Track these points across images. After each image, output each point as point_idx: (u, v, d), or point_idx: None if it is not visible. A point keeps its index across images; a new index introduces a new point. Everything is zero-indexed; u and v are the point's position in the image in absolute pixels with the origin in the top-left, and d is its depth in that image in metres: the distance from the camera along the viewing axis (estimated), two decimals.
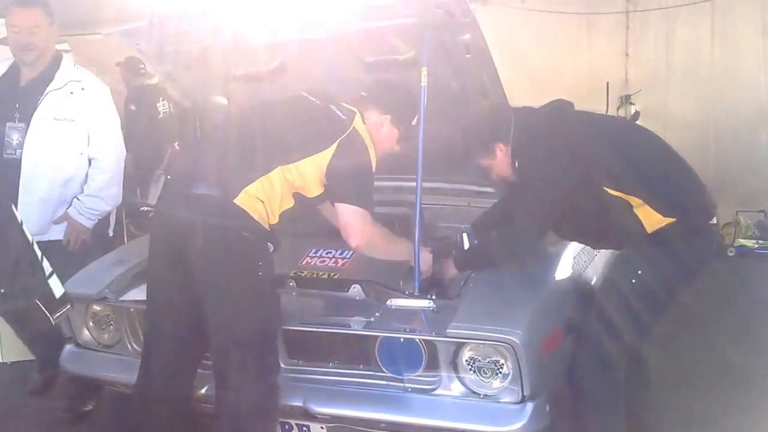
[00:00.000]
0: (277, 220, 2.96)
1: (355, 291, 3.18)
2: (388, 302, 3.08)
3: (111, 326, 3.36)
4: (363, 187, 3.00)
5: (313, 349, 3.04)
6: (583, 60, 7.23)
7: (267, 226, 2.93)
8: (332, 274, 3.39)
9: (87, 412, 3.88)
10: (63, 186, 3.80)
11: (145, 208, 5.86)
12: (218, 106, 3.85)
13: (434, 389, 2.89)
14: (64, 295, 2.54)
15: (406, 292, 3.11)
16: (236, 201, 2.85)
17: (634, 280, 3.04)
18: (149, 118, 7.56)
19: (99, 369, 3.37)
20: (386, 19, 3.12)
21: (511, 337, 2.71)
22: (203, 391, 3.05)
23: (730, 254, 6.74)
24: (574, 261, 3.43)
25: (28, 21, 3.68)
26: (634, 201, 2.99)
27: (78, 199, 3.83)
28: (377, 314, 3.02)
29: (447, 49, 3.14)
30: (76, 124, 3.77)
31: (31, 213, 3.51)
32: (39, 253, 2.48)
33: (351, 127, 3.01)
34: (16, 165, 3.70)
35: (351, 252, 3.47)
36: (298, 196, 3.00)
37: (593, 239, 3.34)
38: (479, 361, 2.82)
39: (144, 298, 3.07)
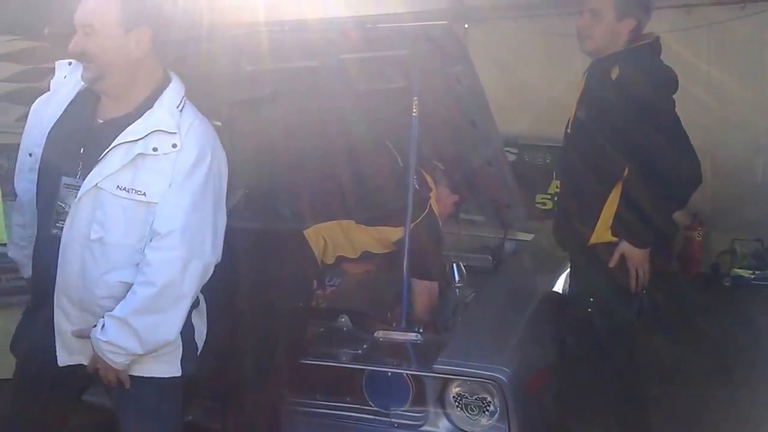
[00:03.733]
0: (333, 262, 3.22)
1: (343, 321, 3.15)
2: (375, 334, 3.04)
3: None
4: (432, 262, 3.20)
5: (298, 380, 3.00)
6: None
7: (320, 263, 3.18)
8: (319, 302, 3.35)
9: None
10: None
11: None
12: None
13: (421, 425, 2.85)
14: None
15: (394, 324, 3.08)
16: (305, 231, 3.10)
17: (590, 309, 3.03)
18: None
19: None
20: (379, 50, 3.11)
21: (497, 375, 2.68)
22: None
23: (726, 284, 6.66)
24: (564, 291, 3.40)
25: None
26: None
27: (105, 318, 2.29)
28: (365, 346, 2.99)
29: (438, 80, 3.13)
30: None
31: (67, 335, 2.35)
32: None
33: (428, 207, 3.21)
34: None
35: (339, 280, 3.45)
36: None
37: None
38: (466, 397, 2.78)
39: None
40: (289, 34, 2.92)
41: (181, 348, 2.38)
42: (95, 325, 2.28)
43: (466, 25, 3.80)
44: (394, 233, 3.18)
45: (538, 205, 4.75)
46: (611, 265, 3.04)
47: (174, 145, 2.28)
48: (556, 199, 4.56)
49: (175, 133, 2.29)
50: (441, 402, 2.81)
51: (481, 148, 3.61)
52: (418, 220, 3.11)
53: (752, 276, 6.65)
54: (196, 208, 2.29)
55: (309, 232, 3.11)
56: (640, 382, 3.25)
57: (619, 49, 3.11)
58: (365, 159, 3.24)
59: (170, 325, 2.29)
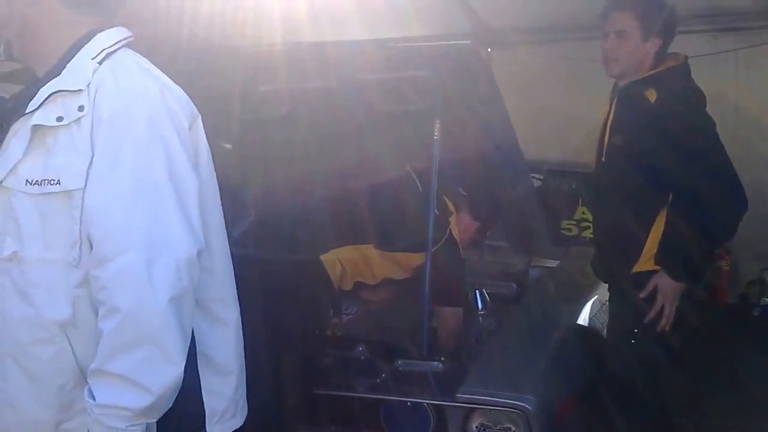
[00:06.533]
0: (350, 288, 3.17)
1: (360, 350, 3.07)
2: (395, 363, 2.96)
3: None
4: (454, 288, 3.14)
5: (313, 411, 2.92)
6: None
7: (337, 290, 3.13)
8: (335, 331, 3.28)
9: None
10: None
11: None
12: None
13: None
14: None
15: (415, 353, 3.00)
16: (322, 257, 3.06)
17: (633, 341, 2.93)
18: None
19: None
20: (400, 70, 3.07)
21: (522, 404, 2.59)
22: None
23: (755, 314, 6.51)
24: (591, 319, 3.31)
25: None
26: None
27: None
28: (383, 376, 2.91)
29: (461, 102, 3.08)
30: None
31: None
32: None
33: (447, 233, 3.14)
34: None
35: (356, 308, 3.38)
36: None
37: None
38: (490, 428, 2.69)
39: None
40: (306, 53, 2.89)
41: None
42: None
43: (489, 49, 3.76)
44: (414, 259, 3.11)
45: (563, 232, 4.67)
46: (642, 294, 2.95)
47: (81, 108, 1.62)
48: (582, 225, 4.49)
49: (81, 90, 1.63)
50: None
51: (505, 173, 3.54)
52: (437, 246, 3.04)
53: None
54: (141, 188, 1.61)
55: (326, 258, 3.06)
56: (670, 413, 3.14)
57: (646, 70, 3.05)
58: (384, 182, 3.18)
59: (168, 354, 1.60)
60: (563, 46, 4.01)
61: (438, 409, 2.74)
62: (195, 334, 1.74)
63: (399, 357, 2.97)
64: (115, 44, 1.73)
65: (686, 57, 3.10)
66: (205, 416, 1.82)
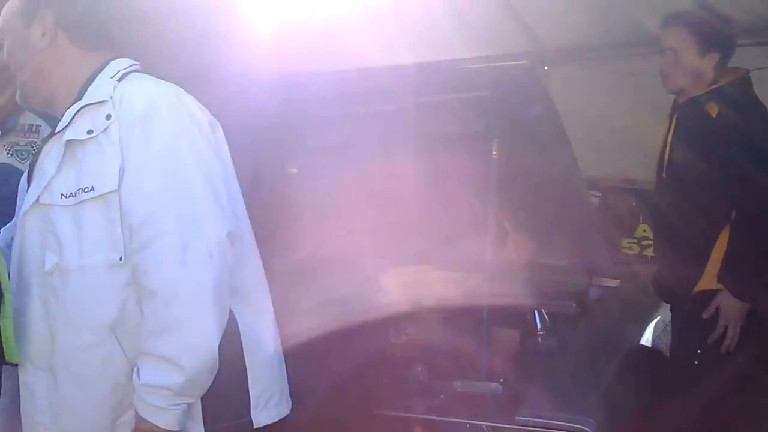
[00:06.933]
0: (409, 307, 3.09)
1: (419, 371, 3.06)
2: (453, 384, 2.94)
3: None
4: (512, 308, 3.10)
5: None
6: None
7: (395, 308, 3.07)
8: (393, 350, 3.27)
9: None
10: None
11: None
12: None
13: None
14: None
15: (473, 374, 2.97)
16: (380, 276, 3.09)
17: (697, 362, 2.86)
18: None
19: None
20: (456, 92, 3.08)
21: (583, 427, 2.56)
22: None
23: None
24: (654, 340, 3.25)
25: None
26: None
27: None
28: (441, 396, 2.89)
29: (518, 122, 3.07)
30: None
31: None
32: None
33: (506, 253, 3.18)
34: None
35: (414, 327, 3.37)
36: None
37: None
38: None
39: None
40: (364, 78, 2.91)
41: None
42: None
43: (546, 67, 3.75)
44: (471, 279, 3.10)
45: (624, 250, 4.60)
46: (705, 315, 2.89)
47: (108, 116, 1.73)
48: (643, 243, 4.41)
49: (106, 101, 1.75)
50: None
51: (563, 191, 3.51)
52: (495, 266, 3.02)
53: None
54: (171, 177, 1.70)
55: (384, 277, 3.06)
56: None
57: (706, 85, 3.00)
58: (441, 203, 3.18)
59: (203, 334, 1.67)
60: (621, 63, 3.96)
61: (497, 431, 2.73)
62: (237, 322, 1.81)
63: (457, 377, 2.95)
64: (128, 67, 1.87)
65: (748, 70, 3.04)
66: (249, 404, 1.86)
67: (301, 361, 2.76)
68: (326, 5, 2.78)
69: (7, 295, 1.71)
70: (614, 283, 4.02)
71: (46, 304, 1.76)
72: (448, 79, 3.02)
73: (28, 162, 2.34)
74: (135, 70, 1.88)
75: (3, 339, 1.72)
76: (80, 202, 1.71)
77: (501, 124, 3.00)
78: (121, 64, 1.88)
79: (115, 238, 1.70)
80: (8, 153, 2.49)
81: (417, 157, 3.23)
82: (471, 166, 3.13)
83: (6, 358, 1.74)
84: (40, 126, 2.52)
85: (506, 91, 2.94)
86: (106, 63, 1.87)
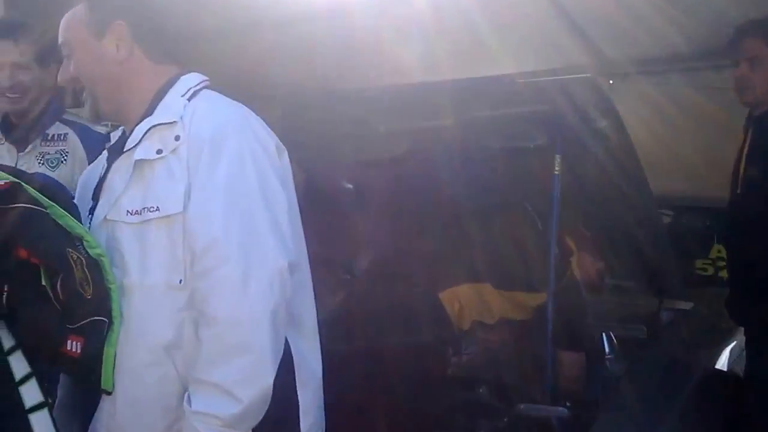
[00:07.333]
0: (468, 327, 3.09)
1: (482, 392, 2.99)
2: (518, 407, 2.85)
3: None
4: (577, 331, 3.04)
5: None
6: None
7: (456, 329, 3.07)
8: (455, 371, 3.20)
9: None
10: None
11: None
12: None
13: None
14: None
15: (538, 397, 2.89)
16: (440, 294, 3.03)
17: None
18: None
19: None
20: (518, 106, 3.01)
21: None
22: None
23: None
24: (730, 364, 3.10)
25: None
26: None
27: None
28: (505, 420, 2.81)
29: (582, 136, 2.99)
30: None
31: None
32: None
33: (568, 272, 3.07)
34: None
35: (474, 348, 3.29)
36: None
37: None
38: None
39: None
40: (423, 92, 2.88)
41: None
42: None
43: (611, 81, 3.64)
44: (534, 299, 3.02)
45: (698, 272, 4.44)
46: None
47: (177, 137, 1.72)
48: (718, 265, 4.25)
49: (175, 122, 1.74)
50: None
51: (632, 210, 3.40)
52: (558, 286, 2.94)
53: None
54: (236, 204, 1.68)
55: (444, 295, 3.00)
56: None
57: None
58: (502, 220, 3.11)
59: (260, 365, 1.63)
60: (690, 75, 3.83)
61: None
62: (292, 353, 1.74)
63: (521, 400, 2.86)
64: (198, 84, 1.85)
65: None
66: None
67: (360, 382, 2.73)
68: (394, 18, 2.76)
69: (116, 323, 1.71)
70: (687, 305, 3.87)
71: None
72: (509, 93, 2.96)
73: (58, 169, 2.53)
74: (205, 87, 1.85)
75: (103, 367, 1.71)
76: (145, 221, 1.72)
77: (564, 138, 2.92)
78: (192, 80, 1.85)
79: (176, 260, 1.69)
80: (39, 162, 2.57)
81: (477, 172, 3.18)
82: (533, 181, 3.06)
83: (102, 385, 1.72)
84: (67, 134, 2.60)
85: (569, 104, 2.86)
86: (177, 78, 1.85)
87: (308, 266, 1.88)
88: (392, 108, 3.20)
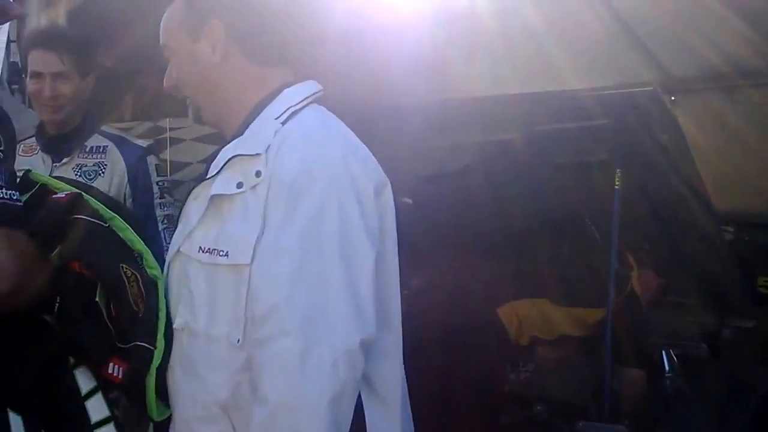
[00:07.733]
0: (527, 342, 3.09)
1: (540, 410, 2.96)
2: (577, 425, 2.83)
3: None
4: (637, 348, 3.01)
5: None
6: None
7: (514, 345, 3.07)
8: (513, 387, 3.18)
9: None
10: None
11: None
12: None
13: None
14: None
15: (596, 415, 2.85)
16: (499, 309, 3.04)
17: None
18: None
19: None
20: (579, 120, 3.00)
21: None
22: None
23: None
24: None
25: None
26: None
27: None
28: None
29: (643, 151, 2.96)
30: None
31: None
32: None
33: (628, 289, 3.05)
34: None
35: (533, 364, 3.27)
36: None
37: None
38: None
39: None
40: (484, 107, 2.88)
41: None
42: None
43: (673, 98, 3.60)
44: (592, 315, 2.99)
45: (761, 289, 4.33)
46: None
47: (258, 173, 1.47)
48: None
49: (259, 154, 1.48)
50: None
51: (693, 226, 3.35)
52: (618, 302, 2.90)
53: None
54: (307, 265, 1.42)
55: (502, 310, 2.99)
56: None
57: None
58: (562, 235, 3.09)
59: None
60: (754, 91, 3.76)
61: None
62: (366, 422, 1.50)
63: (579, 418, 2.83)
64: (302, 101, 1.58)
65: None
66: None
67: (416, 398, 2.73)
68: (461, 33, 2.77)
69: (156, 352, 1.58)
70: (749, 323, 3.79)
71: (174, 358, 1.57)
72: (570, 107, 2.94)
73: (95, 182, 2.46)
74: (311, 102, 1.59)
75: (147, 396, 1.56)
76: (214, 264, 1.50)
77: (625, 152, 2.89)
78: (296, 95, 1.58)
79: (237, 316, 1.47)
80: (76, 174, 2.51)
81: (537, 187, 3.17)
82: (593, 196, 3.04)
83: (148, 411, 1.60)
84: (107, 147, 2.56)
85: (630, 118, 2.83)
86: (280, 90, 1.59)
87: (400, 327, 1.60)
88: (450, 122, 3.22)
